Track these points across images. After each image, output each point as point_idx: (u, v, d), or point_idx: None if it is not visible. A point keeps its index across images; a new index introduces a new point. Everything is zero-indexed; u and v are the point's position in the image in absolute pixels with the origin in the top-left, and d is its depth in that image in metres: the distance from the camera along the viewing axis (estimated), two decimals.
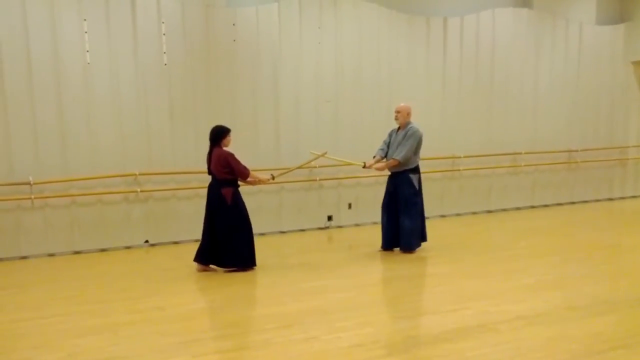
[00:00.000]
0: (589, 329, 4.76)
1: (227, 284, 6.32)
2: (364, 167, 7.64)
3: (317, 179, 9.16)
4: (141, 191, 8.07)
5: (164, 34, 8.07)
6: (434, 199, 10.08)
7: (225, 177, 6.60)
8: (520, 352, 4.32)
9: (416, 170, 7.46)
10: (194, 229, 8.45)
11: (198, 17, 8.24)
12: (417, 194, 7.47)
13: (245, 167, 6.65)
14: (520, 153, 10.64)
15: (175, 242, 8.43)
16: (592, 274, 6.44)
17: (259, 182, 7.06)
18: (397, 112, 7.44)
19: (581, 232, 8.86)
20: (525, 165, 10.74)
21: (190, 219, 8.44)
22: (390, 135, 7.64)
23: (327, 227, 9.38)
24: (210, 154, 6.67)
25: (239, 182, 6.78)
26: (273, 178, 7.10)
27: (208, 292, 6.07)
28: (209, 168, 6.74)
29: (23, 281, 6.68)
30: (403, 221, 7.46)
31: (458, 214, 10.28)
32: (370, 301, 5.60)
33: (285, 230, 9.10)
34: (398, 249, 7.68)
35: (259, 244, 8.33)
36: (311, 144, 9.02)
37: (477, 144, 10.29)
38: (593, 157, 11.43)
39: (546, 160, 10.99)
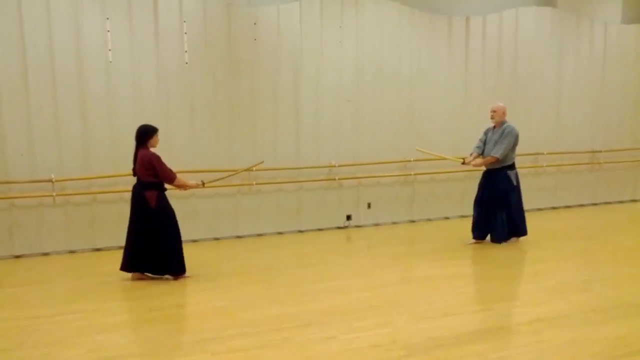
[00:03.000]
0: (612, 332, 4.69)
1: (245, 282, 6.33)
2: (463, 163, 7.97)
3: (337, 178, 9.13)
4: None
5: (185, 33, 8.10)
6: (454, 199, 10.04)
7: (150, 179, 6.24)
8: (542, 354, 4.27)
9: (513, 166, 7.83)
10: (213, 227, 8.54)
11: (219, 16, 8.26)
12: (514, 189, 7.83)
13: (171, 171, 6.30)
14: (543, 153, 10.52)
15: (194, 240, 8.45)
16: (615, 277, 6.34)
17: (186, 187, 6.64)
18: (494, 111, 7.78)
19: (604, 234, 8.73)
20: (547, 166, 10.62)
21: (209, 218, 8.49)
22: (485, 133, 7.98)
23: (346, 227, 9.36)
24: (136, 155, 6.33)
25: (167, 186, 6.45)
26: (203, 184, 6.81)
27: (226, 290, 6.07)
28: (133, 169, 6.39)
29: (44, 277, 6.75)
30: (500, 215, 7.80)
31: None
32: (389, 301, 5.57)
33: (303, 229, 9.09)
34: (488, 239, 8.05)
35: (277, 243, 8.39)
36: (331, 143, 9.03)
37: None
38: (617, 158, 11.26)
39: (569, 161, 10.85)
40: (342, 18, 8.95)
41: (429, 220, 9.86)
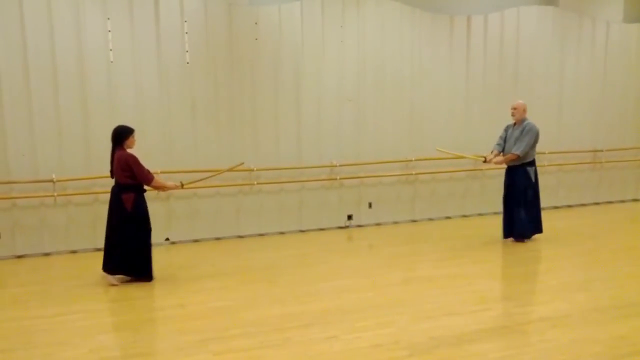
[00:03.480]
0: (614, 331, 4.68)
1: (246, 282, 6.33)
2: (485, 161, 8.07)
3: (338, 177, 9.12)
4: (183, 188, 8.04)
5: (186, 33, 8.10)
6: (456, 198, 10.02)
7: (127, 181, 6.15)
8: (544, 354, 4.27)
9: (532, 163, 7.93)
10: (214, 227, 8.53)
11: (220, 16, 8.25)
12: (533, 186, 7.92)
13: (148, 172, 6.21)
14: (544, 152, 10.48)
15: (196, 240, 8.45)
16: (617, 276, 6.33)
17: (165, 188, 6.54)
18: (514, 108, 7.89)
19: (606, 234, 8.71)
20: (548, 165, 10.59)
21: (211, 218, 8.49)
22: (506, 130, 8.08)
23: (347, 226, 9.35)
24: (113, 156, 6.25)
25: (145, 187, 6.35)
26: (182, 186, 6.70)
27: (228, 290, 6.07)
28: (111, 171, 6.32)
29: (45, 278, 6.75)
30: (518, 212, 7.89)
31: (480, 214, 10.17)
32: (391, 301, 5.57)
33: (305, 229, 9.08)
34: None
35: (278, 243, 8.40)
36: (333, 142, 9.02)
37: None
38: (619, 157, 11.25)
39: (570, 160, 10.83)
40: (344, 17, 8.94)
41: (431, 219, 9.85)
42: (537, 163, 10.37)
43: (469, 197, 10.13)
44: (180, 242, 8.38)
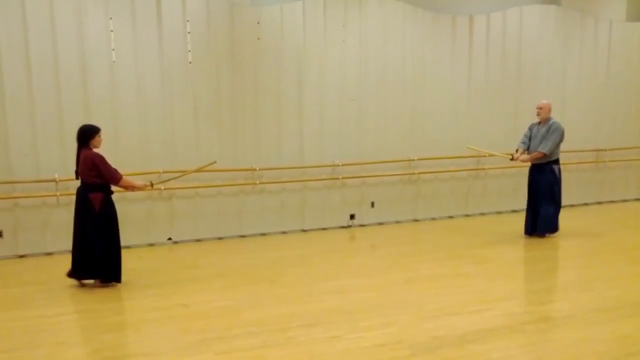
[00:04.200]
0: (617, 331, 4.68)
1: (250, 282, 6.33)
2: (512, 159, 8.23)
3: (340, 177, 9.12)
4: (165, 189, 8.09)
5: (188, 33, 8.09)
6: (458, 198, 10.02)
7: (94, 180, 5.98)
8: (547, 353, 4.26)
9: (557, 161, 8.17)
10: (217, 227, 8.53)
11: (223, 16, 8.25)
12: (558, 183, 8.18)
13: (115, 171, 6.03)
14: None
15: (198, 240, 8.45)
16: (620, 276, 6.33)
17: (134, 188, 6.31)
18: (540, 108, 8.11)
19: (609, 233, 8.70)
20: None
21: (214, 217, 8.48)
22: (530, 129, 8.30)
23: (349, 226, 9.34)
24: (79, 156, 6.08)
25: (112, 188, 6.20)
26: (152, 185, 6.51)
27: (231, 290, 6.07)
28: (76, 172, 6.14)
29: (48, 277, 6.73)
30: (544, 208, 8.12)
31: (482, 214, 10.17)
32: (394, 301, 5.56)
33: (307, 228, 9.08)
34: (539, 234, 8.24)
35: (280, 243, 8.39)
36: (335, 142, 9.02)
37: (503, 142, 10.11)
38: (621, 157, 11.23)
39: (573, 160, 10.79)
40: (346, 17, 8.93)
41: (433, 219, 9.84)
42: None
43: (471, 197, 10.12)
44: (183, 241, 8.38)
